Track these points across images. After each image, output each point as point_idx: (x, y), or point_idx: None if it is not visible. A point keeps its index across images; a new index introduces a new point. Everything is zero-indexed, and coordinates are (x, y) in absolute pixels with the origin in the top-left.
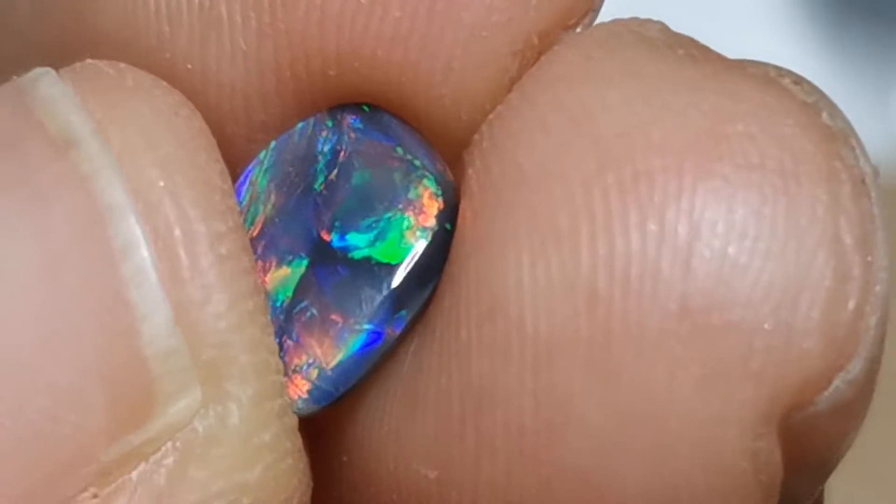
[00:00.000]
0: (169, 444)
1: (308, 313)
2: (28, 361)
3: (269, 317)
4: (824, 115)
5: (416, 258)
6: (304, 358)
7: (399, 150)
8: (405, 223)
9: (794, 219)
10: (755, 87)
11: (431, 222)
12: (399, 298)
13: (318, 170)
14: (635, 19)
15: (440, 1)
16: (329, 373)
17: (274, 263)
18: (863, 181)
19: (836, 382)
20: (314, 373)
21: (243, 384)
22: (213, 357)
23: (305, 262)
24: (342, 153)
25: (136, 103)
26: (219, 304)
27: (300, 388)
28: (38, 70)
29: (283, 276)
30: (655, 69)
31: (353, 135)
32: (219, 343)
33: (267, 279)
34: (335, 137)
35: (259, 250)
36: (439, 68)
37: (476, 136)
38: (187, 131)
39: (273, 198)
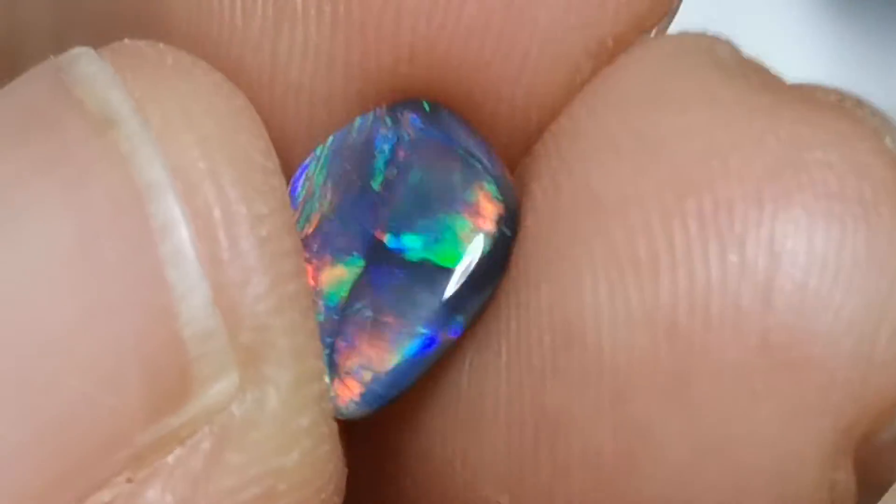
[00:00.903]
0: (206, 427)
1: (363, 315)
2: (64, 340)
3: (311, 300)
4: (887, 139)
5: (473, 262)
6: (357, 360)
7: (460, 150)
8: (462, 225)
9: (874, 249)
10: (829, 114)
11: (490, 226)
12: (456, 303)
13: (376, 168)
14: (705, 36)
15: None
16: (383, 376)
17: (329, 262)
18: None
19: None
20: (367, 375)
21: (282, 368)
22: (252, 340)
23: (361, 262)
24: (401, 152)
25: (175, 82)
26: (258, 286)
27: (352, 391)
28: (77, 49)
29: (339, 275)
30: (730, 94)
31: (412, 133)
32: (258, 326)
33: (322, 277)
34: (395, 135)
35: (315, 247)
36: (513, 66)
37: (540, 149)
38: (228, 110)
39: (329, 195)
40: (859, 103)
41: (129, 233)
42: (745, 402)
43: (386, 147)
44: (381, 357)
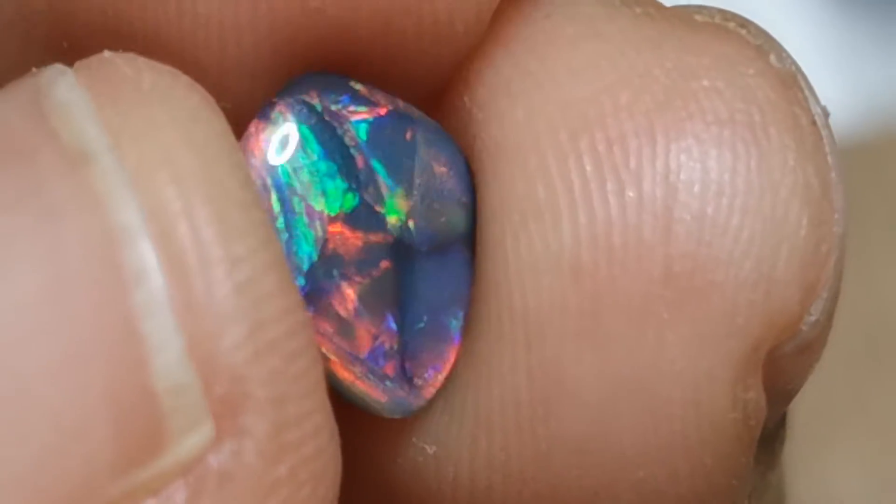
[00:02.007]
0: (180, 479)
1: (416, 327)
2: (33, 389)
3: (304, 338)
4: (772, 57)
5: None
6: (430, 370)
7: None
8: (455, 191)
9: (767, 171)
10: (712, 38)
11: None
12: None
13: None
14: None
15: None
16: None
17: (360, 284)
18: (814, 122)
19: (802, 325)
20: (440, 379)
21: (259, 418)
22: (228, 391)
23: (391, 265)
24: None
25: (153, 110)
26: (235, 335)
27: (434, 385)
28: (57, 69)
29: (373, 291)
30: (616, 28)
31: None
32: (234, 377)
33: (360, 300)
34: (345, 137)
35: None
36: None
37: (457, 104)
38: (205, 140)
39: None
40: (743, 23)
41: (102, 279)
42: (654, 333)
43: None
44: (451, 357)
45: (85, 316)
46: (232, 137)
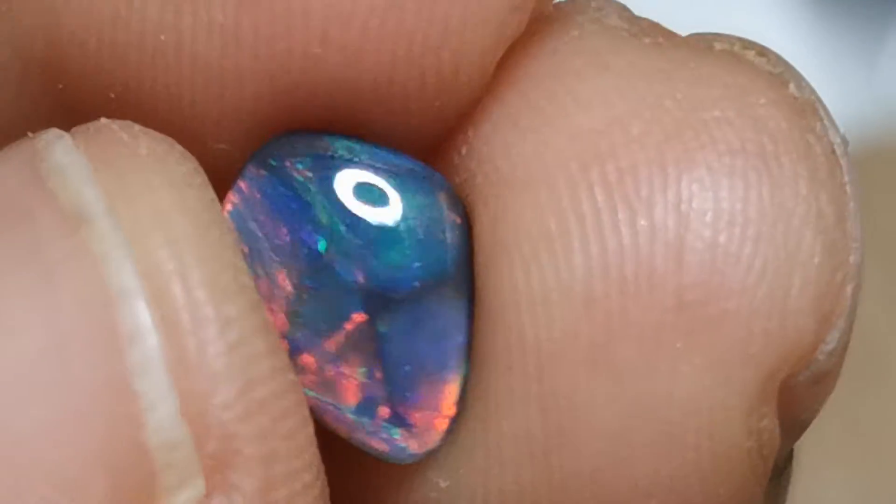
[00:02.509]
0: None
1: (403, 371)
2: (29, 446)
3: (293, 398)
4: (791, 86)
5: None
6: (426, 413)
7: (363, 162)
8: (434, 229)
9: (779, 200)
10: (725, 68)
11: (453, 211)
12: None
13: (305, 232)
14: (592, 1)
15: None
16: (455, 407)
17: (335, 339)
18: (833, 151)
19: (817, 355)
20: (441, 424)
21: (248, 476)
22: (218, 448)
23: (365, 317)
24: (320, 205)
25: (148, 175)
26: (226, 394)
27: (438, 428)
28: (53, 133)
29: (352, 343)
30: (624, 60)
31: (310, 175)
32: (224, 434)
33: (339, 356)
34: (297, 190)
35: (309, 336)
36: (437, 29)
37: (450, 143)
38: (199, 204)
39: (280, 280)
40: (762, 51)
41: (98, 339)
42: (667, 363)
43: (300, 207)
44: (446, 397)
45: (82, 375)
46: (219, 206)
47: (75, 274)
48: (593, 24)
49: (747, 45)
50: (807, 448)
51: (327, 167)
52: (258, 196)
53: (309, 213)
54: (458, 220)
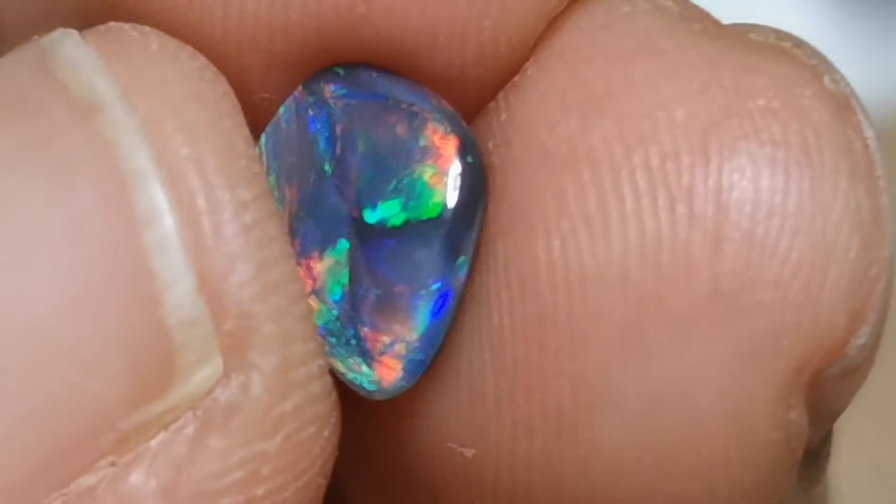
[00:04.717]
0: (190, 413)
1: (372, 295)
2: (48, 327)
3: (300, 284)
4: (826, 79)
5: (453, 202)
6: (386, 338)
7: (390, 101)
8: (426, 173)
9: (819, 193)
10: (770, 58)
11: (452, 162)
12: (453, 247)
13: (321, 152)
14: None
15: None
16: (416, 343)
17: (316, 257)
18: (868, 147)
19: (848, 349)
20: (401, 348)
21: (266, 354)
22: (236, 326)
23: (347, 245)
24: (338, 126)
25: (160, 67)
26: (242, 273)
27: (393, 368)
28: (61, 31)
29: (331, 266)
30: (674, 44)
31: (339, 103)
32: (242, 313)
33: (315, 274)
34: (324, 112)
35: (296, 248)
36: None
37: (492, 105)
38: (212, 96)
39: (287, 193)
40: (798, 43)
41: (114, 221)
42: (698, 350)
43: (321, 126)
44: (407, 327)
45: (98, 255)
46: (235, 99)
47: (90, 159)
48: (646, 2)
49: (783, 36)
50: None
51: (358, 96)
52: (285, 120)
53: (326, 135)
54: (469, 174)
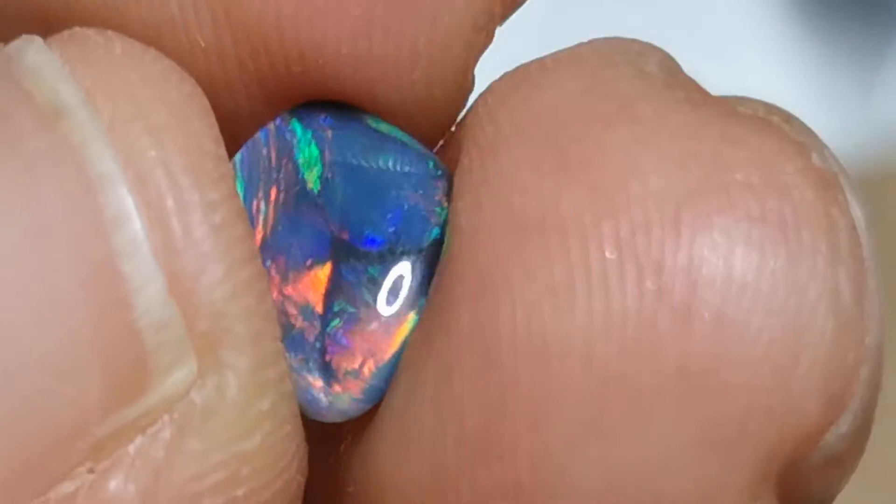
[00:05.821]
0: (166, 416)
1: (346, 313)
2: (19, 332)
3: (266, 284)
4: (814, 155)
5: (432, 240)
6: (357, 358)
7: (381, 137)
8: (420, 207)
9: (794, 274)
10: (754, 131)
11: (444, 202)
12: (425, 284)
13: (305, 172)
14: (635, 44)
15: None
16: (384, 367)
17: (293, 272)
18: (854, 227)
19: (827, 437)
20: (367, 371)
21: (240, 353)
22: (209, 327)
23: (328, 263)
24: (326, 152)
25: (125, 71)
26: (213, 274)
27: (353, 390)
28: (25, 38)
29: (308, 282)
30: (654, 112)
31: (329, 132)
32: (214, 313)
33: (289, 289)
34: (312, 137)
35: (270, 262)
36: (406, 54)
37: (465, 162)
38: (178, 97)
39: (264, 207)
40: (788, 118)
41: (82, 225)
42: (663, 430)
43: (308, 151)
44: (379, 349)
45: (67, 260)
46: (205, 99)
47: (55, 164)
48: (630, 67)
49: (772, 110)
50: None
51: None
52: (264, 140)
53: (315, 156)
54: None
